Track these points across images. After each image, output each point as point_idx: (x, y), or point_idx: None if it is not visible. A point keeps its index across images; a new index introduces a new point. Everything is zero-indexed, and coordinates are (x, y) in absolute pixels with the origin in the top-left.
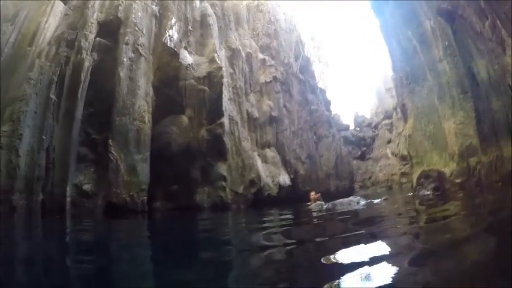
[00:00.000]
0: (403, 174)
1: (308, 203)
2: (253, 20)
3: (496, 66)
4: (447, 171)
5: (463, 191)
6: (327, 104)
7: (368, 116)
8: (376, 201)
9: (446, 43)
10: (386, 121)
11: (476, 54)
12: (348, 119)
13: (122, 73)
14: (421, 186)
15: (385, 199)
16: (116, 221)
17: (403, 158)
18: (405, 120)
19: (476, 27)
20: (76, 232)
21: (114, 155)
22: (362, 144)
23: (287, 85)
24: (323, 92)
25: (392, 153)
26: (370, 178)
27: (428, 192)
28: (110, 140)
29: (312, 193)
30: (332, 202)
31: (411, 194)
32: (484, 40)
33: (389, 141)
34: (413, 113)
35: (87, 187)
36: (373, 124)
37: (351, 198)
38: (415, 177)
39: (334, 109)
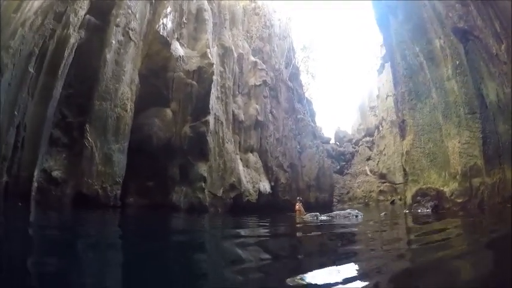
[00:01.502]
0: (381, 192)
1: (292, 213)
2: (248, 22)
3: (508, 89)
4: (447, 190)
5: (463, 211)
6: (313, 115)
7: (349, 131)
8: (381, 215)
9: (457, 62)
10: (368, 138)
11: (487, 76)
12: (329, 133)
13: (109, 55)
14: (417, 204)
15: (385, 214)
16: (84, 214)
17: (381, 176)
18: (403, 137)
19: (493, 50)
20: (37, 222)
21: (90, 142)
22: (341, 159)
23: (275, 91)
24: (309, 102)
25: (371, 171)
26: (348, 193)
27: (428, 210)
28: (87, 125)
29: (298, 204)
30: (328, 214)
31: (407, 211)
32: (499, 63)
33: (368, 159)
34: (413, 130)
35: (56, 173)
36: (353, 140)
37: (348, 211)
38: (409, 194)
39: (317, 121)
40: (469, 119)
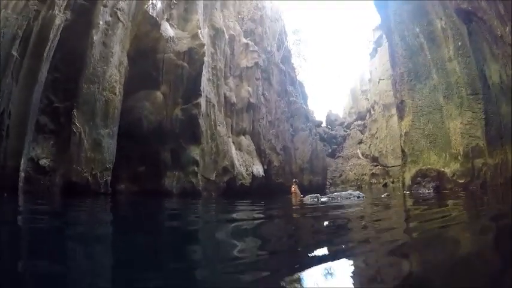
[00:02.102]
0: (373, 174)
1: (288, 196)
2: (239, 4)
3: (511, 71)
4: (448, 171)
5: (465, 191)
6: (305, 98)
7: (341, 115)
8: (382, 196)
9: (459, 43)
10: (359, 122)
11: (490, 58)
12: (320, 116)
13: (96, 37)
14: (418, 184)
15: (387, 195)
16: (74, 202)
17: (373, 159)
18: (401, 118)
19: (497, 31)
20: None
21: (78, 127)
22: (333, 142)
23: (267, 73)
24: (301, 85)
25: (363, 154)
26: (340, 176)
27: (429, 191)
28: (74, 110)
29: (293, 186)
30: (328, 195)
31: (406, 191)
32: (502, 45)
33: (360, 142)
34: (412, 111)
35: (44, 162)
36: (345, 123)
37: (349, 191)
38: (408, 175)
39: (309, 104)
40: (471, 100)
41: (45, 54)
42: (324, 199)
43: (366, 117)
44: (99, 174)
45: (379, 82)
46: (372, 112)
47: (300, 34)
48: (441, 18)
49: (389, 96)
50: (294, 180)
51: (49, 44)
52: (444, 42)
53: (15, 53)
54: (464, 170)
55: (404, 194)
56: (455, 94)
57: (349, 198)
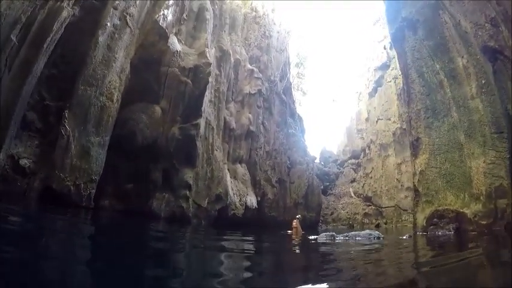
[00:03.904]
0: (366, 214)
1: (289, 231)
2: (247, 29)
3: None
4: (468, 212)
5: (489, 234)
6: (303, 132)
7: (335, 152)
8: (403, 237)
9: (483, 81)
10: (353, 160)
11: None
12: (314, 152)
13: (101, 38)
14: (434, 226)
15: (409, 236)
16: (51, 214)
17: (366, 199)
18: (415, 156)
19: None
20: None
21: (67, 130)
22: (326, 179)
23: (269, 102)
24: (300, 118)
25: (355, 193)
26: (332, 214)
27: (450, 232)
28: (66, 111)
29: (295, 221)
30: (345, 234)
31: (420, 233)
32: None
33: (353, 181)
34: (428, 149)
35: (25, 162)
36: (338, 161)
37: (367, 231)
38: (421, 216)
39: (305, 139)
40: (495, 139)
41: (45, 46)
42: (340, 238)
43: (361, 156)
44: (82, 185)
45: (377, 122)
46: (367, 151)
47: (302, 68)
48: (463, 56)
49: (386, 136)
50: (297, 216)
51: (51, 35)
52: (466, 80)
53: (14, 38)
54: (487, 210)
55: (414, 235)
56: (478, 132)
57: (369, 238)
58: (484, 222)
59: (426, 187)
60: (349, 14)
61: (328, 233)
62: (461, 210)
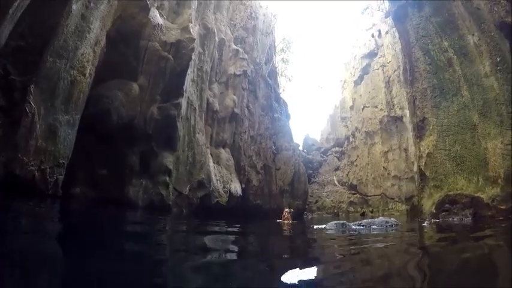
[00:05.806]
0: (351, 203)
1: (279, 221)
2: (233, 10)
3: None
4: (484, 196)
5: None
6: (288, 117)
7: (318, 139)
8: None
9: (498, 59)
10: (337, 148)
11: None
12: (297, 139)
13: (75, 6)
14: (447, 212)
15: (430, 223)
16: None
17: (351, 187)
18: (420, 137)
19: None
20: None
21: (32, 107)
22: (309, 167)
23: (254, 85)
24: (285, 104)
25: (339, 181)
26: (316, 202)
27: (468, 218)
28: (32, 85)
29: (286, 210)
30: (357, 222)
31: (432, 219)
32: None
33: (337, 169)
34: (436, 130)
35: None
36: (322, 149)
37: (382, 218)
38: (429, 201)
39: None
40: None
41: (10, 11)
42: (353, 227)
43: (345, 144)
44: (49, 170)
45: (363, 109)
46: (352, 139)
47: (288, 53)
48: (473, 34)
49: (373, 124)
50: (289, 209)
51: (18, 1)
52: (478, 58)
53: None
54: (506, 194)
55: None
56: (494, 112)
57: (386, 226)
58: (503, 207)
59: (434, 171)
60: (337, 3)
61: (338, 222)
62: (476, 194)
